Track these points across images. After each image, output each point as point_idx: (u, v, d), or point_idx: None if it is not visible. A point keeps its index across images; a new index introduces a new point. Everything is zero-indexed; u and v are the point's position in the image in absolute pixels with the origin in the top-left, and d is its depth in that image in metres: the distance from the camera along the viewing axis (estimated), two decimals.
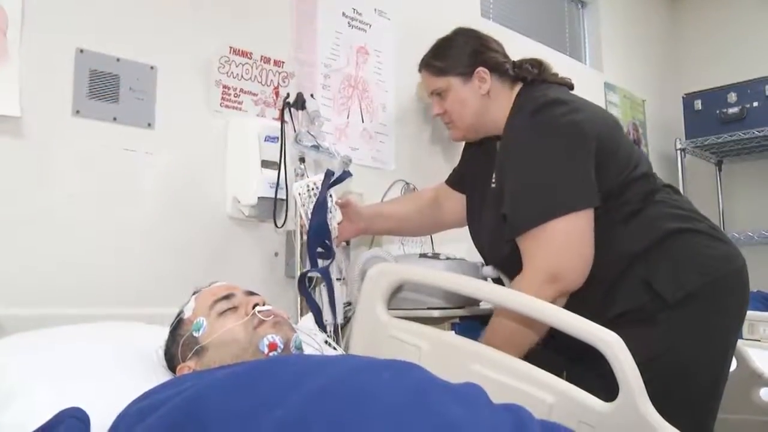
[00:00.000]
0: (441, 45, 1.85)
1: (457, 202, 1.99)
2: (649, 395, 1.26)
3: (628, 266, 1.56)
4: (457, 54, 1.79)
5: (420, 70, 1.88)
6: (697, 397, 1.54)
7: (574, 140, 1.56)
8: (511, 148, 1.64)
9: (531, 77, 1.77)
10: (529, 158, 1.57)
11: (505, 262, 1.69)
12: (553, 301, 1.49)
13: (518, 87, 1.78)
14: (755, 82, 3.89)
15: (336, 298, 1.80)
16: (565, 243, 1.48)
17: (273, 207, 2.03)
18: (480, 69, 1.75)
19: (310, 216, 1.87)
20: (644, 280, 1.53)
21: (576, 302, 1.53)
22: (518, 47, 3.34)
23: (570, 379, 1.37)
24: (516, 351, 1.47)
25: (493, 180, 1.71)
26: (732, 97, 3.94)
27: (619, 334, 1.32)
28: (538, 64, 1.80)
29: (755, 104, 3.87)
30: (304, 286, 1.83)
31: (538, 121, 1.60)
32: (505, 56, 1.81)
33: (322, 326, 1.77)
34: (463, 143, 2.06)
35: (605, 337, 1.29)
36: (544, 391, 1.35)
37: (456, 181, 2.06)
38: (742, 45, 4.37)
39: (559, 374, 1.41)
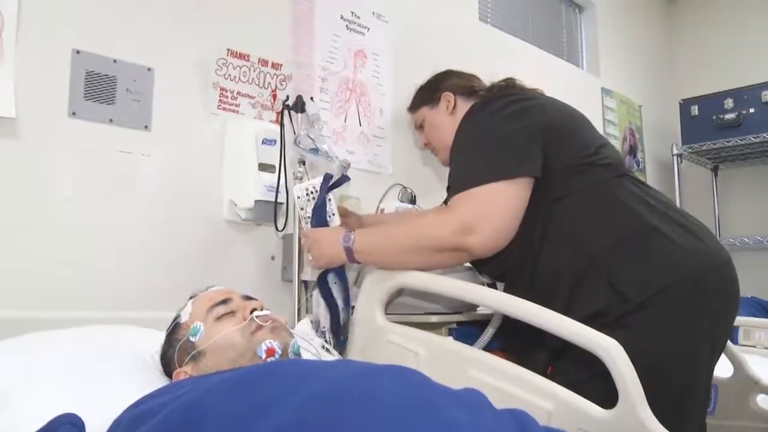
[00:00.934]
0: (418, 88, 2.08)
1: None
2: None
3: (591, 264, 1.50)
4: (427, 89, 2.03)
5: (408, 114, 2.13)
6: (672, 403, 1.45)
7: (514, 116, 1.58)
8: (454, 136, 1.69)
9: (497, 91, 1.80)
10: (466, 136, 1.64)
11: (502, 273, 1.70)
12: (450, 258, 1.53)
13: None
14: (752, 89, 3.90)
15: (339, 305, 1.78)
16: (489, 203, 1.49)
17: (273, 210, 2.02)
18: (445, 93, 1.93)
19: (307, 218, 1.86)
20: (608, 279, 1.47)
21: (542, 303, 1.45)
22: (516, 51, 3.37)
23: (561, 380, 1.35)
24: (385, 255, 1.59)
25: None
26: (728, 103, 3.95)
27: None
28: (507, 80, 1.85)
29: (751, 110, 3.88)
30: (326, 285, 1.78)
31: (479, 107, 1.67)
32: (474, 82, 1.95)
33: (338, 327, 1.73)
34: None
35: (604, 343, 1.28)
36: (542, 397, 1.34)
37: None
38: (739, 51, 4.39)
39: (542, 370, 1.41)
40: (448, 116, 1.90)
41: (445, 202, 2.02)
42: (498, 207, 1.49)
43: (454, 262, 1.58)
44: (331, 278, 1.75)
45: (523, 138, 1.55)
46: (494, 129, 1.58)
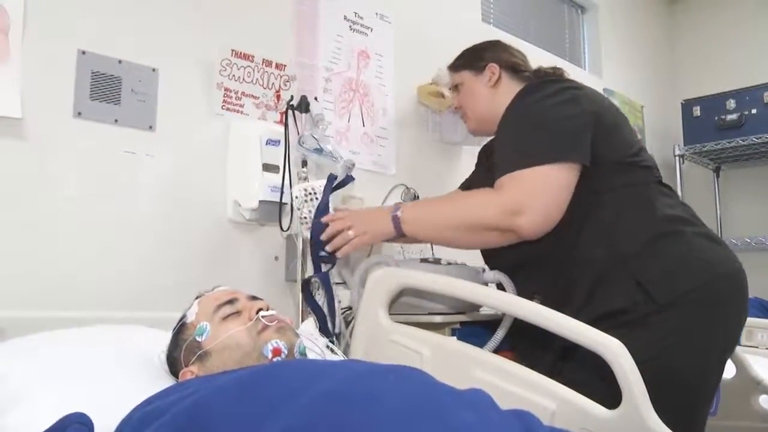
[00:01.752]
0: (465, 48, 2.01)
1: None
2: None
3: (621, 261, 1.54)
4: (474, 53, 1.95)
5: (447, 72, 2.03)
6: (683, 403, 1.51)
7: (567, 102, 1.60)
8: (508, 107, 1.68)
9: (545, 76, 1.84)
10: (517, 117, 1.63)
11: (521, 263, 1.70)
12: (497, 238, 1.54)
13: None
14: (754, 89, 3.90)
15: (335, 307, 1.80)
16: (538, 185, 1.50)
17: (278, 210, 2.02)
18: (491, 64, 1.87)
19: (303, 218, 1.88)
20: (636, 278, 1.51)
21: (561, 295, 1.55)
22: None
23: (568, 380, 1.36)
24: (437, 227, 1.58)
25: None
26: (730, 103, 3.95)
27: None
28: (554, 68, 1.89)
29: (753, 111, 3.88)
30: (308, 291, 1.82)
31: (532, 89, 1.67)
32: (523, 61, 1.91)
33: (326, 331, 1.76)
34: (477, 151, 2.15)
35: (608, 343, 1.29)
36: (546, 397, 1.35)
37: (469, 184, 2.09)
38: (741, 52, 4.39)
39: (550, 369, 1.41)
40: (488, 88, 1.87)
41: (461, 188, 2.02)
42: (547, 189, 1.51)
43: (501, 242, 1.57)
44: (315, 285, 1.78)
45: (575, 124, 1.57)
46: (547, 112, 1.59)
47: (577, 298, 1.56)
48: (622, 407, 1.26)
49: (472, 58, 1.93)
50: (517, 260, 1.68)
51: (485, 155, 2.03)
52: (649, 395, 1.31)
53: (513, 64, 1.88)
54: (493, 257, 1.81)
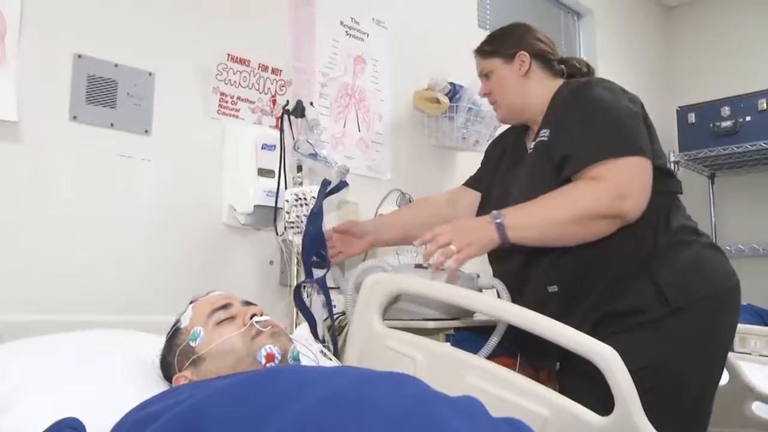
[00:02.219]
0: (492, 33, 1.97)
1: (473, 199, 2.01)
2: (644, 404, 1.28)
3: (644, 262, 1.59)
4: (503, 39, 1.91)
5: (474, 55, 1.98)
6: (689, 408, 1.57)
7: (632, 101, 1.66)
8: (574, 100, 1.68)
9: (574, 72, 1.86)
10: (596, 109, 1.62)
11: (537, 251, 1.69)
12: (605, 226, 1.53)
13: (560, 81, 1.84)
14: (748, 97, 3.91)
15: (317, 312, 1.81)
16: (636, 173, 1.54)
17: (273, 215, 2.03)
18: (521, 52, 1.84)
19: (290, 223, 1.88)
20: (653, 279, 1.57)
21: (578, 287, 1.61)
22: None
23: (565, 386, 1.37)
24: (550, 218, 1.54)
25: (531, 146, 1.75)
26: (725, 110, 3.97)
27: (619, 338, 1.43)
28: (585, 65, 1.90)
29: (748, 118, 3.89)
30: (300, 296, 1.83)
31: (596, 83, 1.69)
32: (552, 49, 1.90)
33: (317, 337, 1.77)
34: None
35: (601, 351, 1.29)
36: (539, 404, 1.35)
37: (474, 181, 2.09)
38: (736, 59, 4.40)
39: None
40: (519, 77, 1.85)
41: (467, 184, 2.00)
42: (642, 177, 1.54)
43: (607, 230, 1.55)
44: (308, 290, 1.79)
45: (641, 124, 1.63)
46: (622, 109, 1.62)
47: (594, 293, 1.61)
48: (615, 414, 1.26)
49: (502, 45, 1.89)
50: (544, 248, 1.67)
51: (496, 152, 2.02)
52: (658, 399, 1.40)
53: (542, 52, 1.86)
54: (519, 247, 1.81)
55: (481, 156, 2.83)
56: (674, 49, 4.80)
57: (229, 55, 2.12)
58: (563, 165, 1.60)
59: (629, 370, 1.32)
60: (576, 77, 1.85)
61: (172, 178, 1.97)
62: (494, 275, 1.86)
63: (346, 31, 2.56)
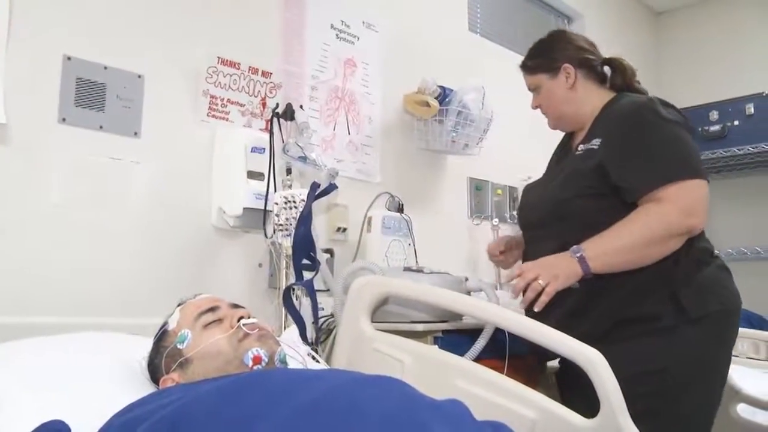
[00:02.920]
0: (535, 47, 2.02)
1: None
2: (651, 408, 1.43)
3: (665, 272, 1.65)
4: (546, 54, 1.96)
5: (520, 70, 2.04)
6: (693, 414, 1.66)
7: (686, 125, 1.75)
8: (636, 123, 1.73)
9: (619, 73, 1.93)
10: (662, 130, 1.70)
11: (559, 214, 1.77)
12: (676, 243, 1.62)
13: (608, 90, 1.92)
14: (736, 101, 3.95)
15: (306, 315, 1.82)
16: (701, 193, 1.65)
17: (262, 217, 2.03)
18: (566, 65, 1.89)
19: (279, 225, 1.89)
20: (671, 289, 1.65)
21: (601, 287, 1.65)
22: (505, 61, 3.39)
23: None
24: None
25: (579, 149, 1.81)
26: (713, 115, 3.99)
27: (632, 342, 1.60)
28: (630, 66, 1.96)
29: (736, 123, 3.92)
30: (289, 299, 1.83)
31: (655, 103, 1.75)
32: (595, 54, 1.95)
33: (306, 339, 1.77)
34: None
35: (587, 354, 1.31)
36: (526, 407, 1.36)
37: (534, 188, 2.11)
38: (724, 64, 4.43)
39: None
40: (567, 90, 1.90)
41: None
42: (702, 196, 1.65)
43: (678, 246, 1.65)
44: (298, 293, 1.79)
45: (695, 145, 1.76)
46: (681, 131, 1.71)
47: (612, 297, 1.67)
48: (600, 417, 1.27)
49: (545, 61, 1.94)
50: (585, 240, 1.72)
51: (552, 160, 2.09)
52: (665, 402, 1.56)
53: (586, 61, 1.91)
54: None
55: (471, 158, 2.86)
56: (663, 53, 4.83)
57: (219, 58, 2.12)
58: (627, 189, 1.68)
59: (639, 372, 1.48)
60: (621, 78, 1.92)
61: (161, 181, 1.97)
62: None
63: (337, 35, 2.56)
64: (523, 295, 1.63)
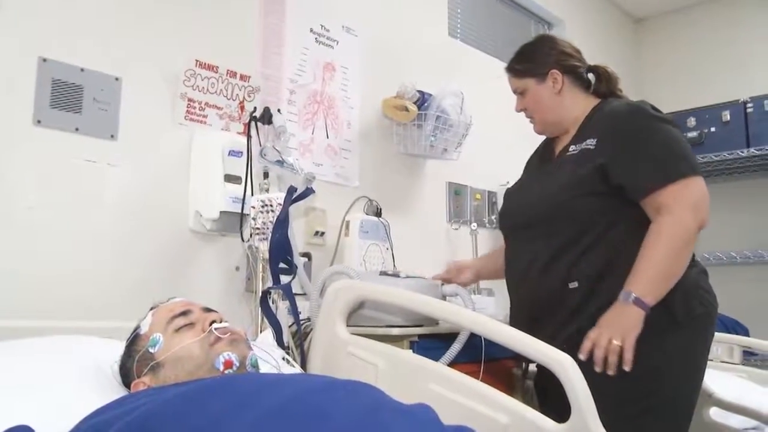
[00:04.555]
0: (522, 50, 2.03)
1: None
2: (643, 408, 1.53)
3: None
4: (534, 58, 1.97)
5: (505, 72, 2.06)
6: (679, 414, 1.71)
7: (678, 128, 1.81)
8: (632, 121, 1.78)
9: (603, 79, 1.97)
10: (660, 131, 1.75)
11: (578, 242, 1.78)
12: (697, 233, 1.69)
13: (592, 96, 1.96)
14: (713, 108, 3.99)
15: (282, 319, 1.82)
16: (704, 192, 1.72)
17: (239, 221, 2.03)
18: (553, 71, 1.92)
19: (256, 229, 1.89)
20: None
21: (597, 285, 1.70)
22: (484, 67, 3.41)
23: None
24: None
25: (574, 150, 1.84)
26: (691, 121, 4.03)
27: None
28: (613, 74, 2.00)
29: (713, 129, 3.96)
30: (266, 303, 1.83)
31: (648, 107, 1.80)
32: (580, 60, 1.98)
33: (282, 343, 1.77)
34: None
35: (559, 358, 1.32)
36: (499, 411, 1.37)
37: (516, 191, 2.14)
38: (702, 71, 4.48)
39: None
40: (554, 95, 1.92)
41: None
42: (703, 192, 1.72)
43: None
44: (274, 297, 1.80)
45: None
46: (678, 132, 1.78)
47: (609, 292, 1.67)
48: (571, 421, 1.28)
49: (534, 65, 1.96)
50: (585, 239, 1.76)
51: (530, 165, 2.13)
52: (659, 401, 1.61)
53: (573, 68, 1.94)
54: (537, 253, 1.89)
55: (449, 162, 2.87)
56: (642, 59, 4.87)
57: (197, 61, 2.12)
58: (631, 188, 1.72)
59: (634, 372, 1.54)
60: (606, 86, 1.96)
61: (138, 184, 1.96)
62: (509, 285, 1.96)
63: (316, 38, 2.57)
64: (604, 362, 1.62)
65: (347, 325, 1.69)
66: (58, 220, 1.78)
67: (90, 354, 1.33)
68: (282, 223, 1.81)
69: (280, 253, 1.83)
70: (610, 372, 1.58)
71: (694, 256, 1.77)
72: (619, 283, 1.66)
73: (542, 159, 2.04)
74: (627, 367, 1.58)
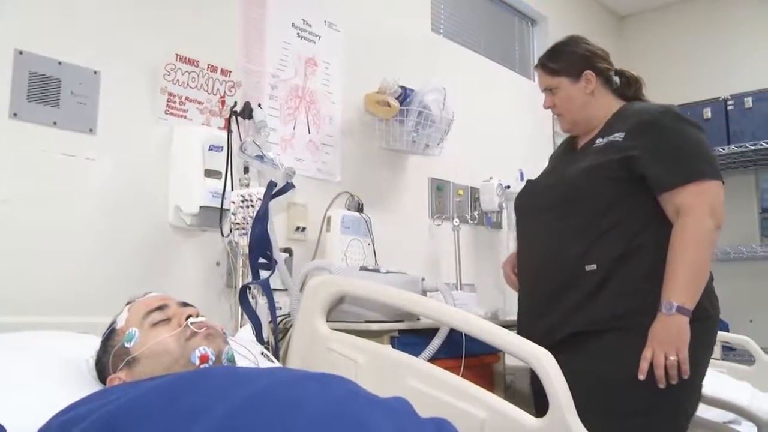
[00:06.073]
0: (556, 48, 2.08)
1: None
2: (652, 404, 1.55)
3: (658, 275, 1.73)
4: (569, 58, 2.02)
5: (536, 68, 2.10)
6: (684, 410, 1.76)
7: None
8: (662, 120, 1.83)
9: (629, 82, 2.04)
10: (688, 132, 1.81)
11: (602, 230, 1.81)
12: (716, 233, 1.73)
13: (618, 98, 2.01)
14: (695, 105, 4.02)
15: (262, 315, 1.82)
16: (720, 196, 1.76)
17: (219, 216, 2.02)
18: (587, 72, 1.97)
19: (236, 224, 1.88)
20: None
21: (613, 271, 1.74)
22: (467, 63, 3.42)
23: None
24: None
25: (598, 141, 1.89)
26: None
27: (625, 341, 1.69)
28: (640, 80, 2.08)
29: None
30: (245, 298, 1.82)
31: (678, 111, 1.86)
32: (610, 63, 2.05)
33: (261, 339, 1.76)
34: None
35: (536, 353, 1.32)
36: (476, 406, 1.37)
37: (537, 182, 2.18)
38: (684, 69, 4.50)
39: None
40: (585, 95, 1.97)
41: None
42: (722, 198, 1.76)
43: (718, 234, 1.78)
44: (254, 292, 1.79)
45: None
46: (703, 137, 1.84)
47: (628, 281, 1.74)
48: (549, 416, 1.28)
49: (569, 65, 2.00)
50: (603, 223, 1.80)
51: (562, 152, 2.16)
52: (665, 398, 1.63)
53: (604, 70, 1.99)
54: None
55: (432, 158, 2.87)
56: (625, 57, 4.86)
57: (177, 55, 2.11)
58: (653, 181, 1.76)
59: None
60: (633, 89, 2.03)
61: (117, 178, 1.95)
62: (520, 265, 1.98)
63: (298, 33, 2.56)
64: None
65: (327, 321, 1.68)
66: (34, 215, 1.76)
67: (65, 349, 1.32)
68: (262, 219, 1.80)
69: (260, 248, 1.83)
70: (673, 382, 1.64)
71: None
72: (634, 273, 1.73)
73: (566, 151, 2.09)
74: (685, 377, 1.64)
